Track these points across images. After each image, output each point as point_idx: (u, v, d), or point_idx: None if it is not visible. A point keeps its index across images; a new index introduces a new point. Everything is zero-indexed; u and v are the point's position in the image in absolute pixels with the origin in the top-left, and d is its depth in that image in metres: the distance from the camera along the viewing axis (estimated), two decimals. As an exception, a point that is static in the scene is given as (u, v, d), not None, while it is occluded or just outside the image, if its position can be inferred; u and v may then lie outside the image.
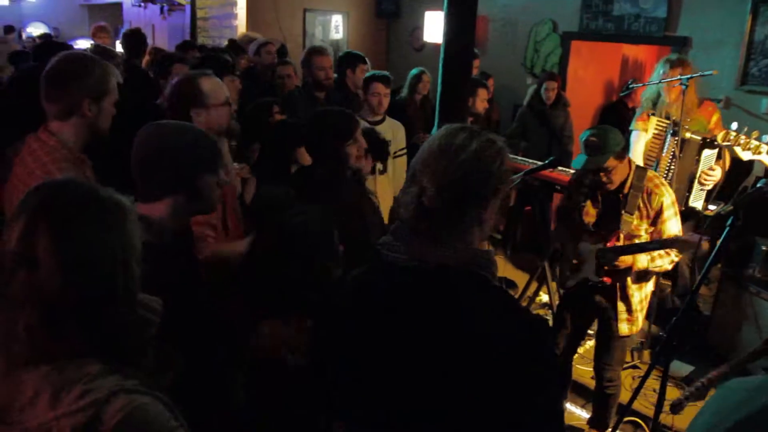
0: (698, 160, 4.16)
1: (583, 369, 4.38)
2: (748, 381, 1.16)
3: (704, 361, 4.42)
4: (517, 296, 5.28)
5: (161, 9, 9.76)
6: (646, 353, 4.56)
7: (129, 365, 1.27)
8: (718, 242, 2.36)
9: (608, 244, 3.22)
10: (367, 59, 5.53)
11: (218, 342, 1.95)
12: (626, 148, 3.21)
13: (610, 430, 3.51)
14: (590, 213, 3.36)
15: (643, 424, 3.82)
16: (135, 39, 6.25)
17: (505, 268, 5.84)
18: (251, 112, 3.93)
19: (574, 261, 3.38)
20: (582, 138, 3.17)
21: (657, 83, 4.40)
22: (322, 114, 3.06)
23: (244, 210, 3.11)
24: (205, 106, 2.70)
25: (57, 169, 2.27)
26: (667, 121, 4.33)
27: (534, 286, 5.13)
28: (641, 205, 3.18)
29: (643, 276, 3.30)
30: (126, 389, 1.22)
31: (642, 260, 3.16)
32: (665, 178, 4.29)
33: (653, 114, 4.43)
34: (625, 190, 3.20)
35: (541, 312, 5.30)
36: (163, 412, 1.25)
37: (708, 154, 4.16)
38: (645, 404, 3.88)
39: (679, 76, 4.14)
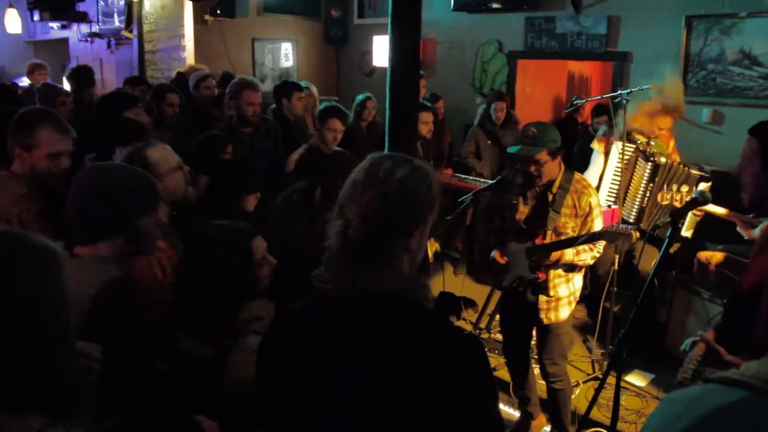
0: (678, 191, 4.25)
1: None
2: (687, 392, 1.19)
3: (663, 368, 4.50)
4: (476, 314, 5.32)
5: (108, 43, 9.65)
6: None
7: (71, 415, 1.24)
8: (660, 252, 2.43)
9: (536, 242, 3.38)
10: (301, 85, 5.54)
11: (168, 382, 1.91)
12: (562, 149, 3.36)
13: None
14: (522, 211, 3.48)
15: (605, 434, 3.86)
16: (82, 75, 6.19)
17: (463, 287, 5.87)
18: (204, 144, 3.91)
19: (499, 258, 3.49)
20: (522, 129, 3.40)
21: (599, 98, 4.51)
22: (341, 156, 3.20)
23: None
24: (157, 176, 2.64)
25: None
26: (632, 146, 4.44)
27: (493, 303, 5.17)
28: (569, 204, 3.36)
29: (570, 268, 3.48)
30: None
31: (568, 254, 3.35)
32: (636, 204, 4.42)
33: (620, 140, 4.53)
34: (554, 190, 3.37)
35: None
36: None
37: (704, 187, 4.26)
38: (608, 415, 3.92)
39: (619, 91, 4.25)
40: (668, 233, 2.39)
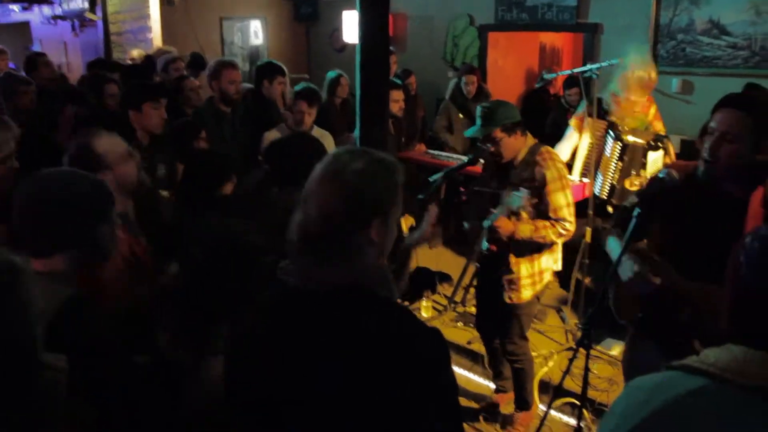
0: (644, 164, 4.29)
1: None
2: (650, 379, 1.20)
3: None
4: (451, 288, 5.36)
5: (72, 25, 9.45)
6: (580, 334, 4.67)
7: (41, 428, 1.22)
8: (627, 233, 2.42)
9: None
10: (286, 71, 5.47)
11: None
12: (519, 124, 3.30)
13: (543, 409, 3.58)
14: (491, 186, 3.48)
15: (578, 403, 3.91)
16: (29, 63, 6.20)
17: (438, 261, 5.89)
18: (178, 131, 3.85)
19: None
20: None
21: (570, 72, 4.51)
22: (305, 138, 3.19)
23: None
24: (108, 167, 2.57)
25: None
26: (603, 122, 4.44)
27: (468, 276, 5.21)
28: (528, 177, 3.30)
29: (529, 247, 3.40)
30: None
31: (524, 230, 3.28)
32: (609, 182, 4.44)
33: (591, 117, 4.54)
34: (515, 165, 3.35)
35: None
36: None
37: (654, 157, 4.27)
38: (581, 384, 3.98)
39: (588, 66, 4.25)
40: (635, 213, 2.37)
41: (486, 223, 3.33)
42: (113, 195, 2.01)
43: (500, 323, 3.63)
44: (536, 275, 3.49)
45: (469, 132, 3.38)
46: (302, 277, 1.46)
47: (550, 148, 3.48)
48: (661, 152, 4.27)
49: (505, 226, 3.27)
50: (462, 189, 6.17)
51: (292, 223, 1.46)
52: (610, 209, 4.52)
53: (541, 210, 3.33)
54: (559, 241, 3.44)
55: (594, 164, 4.49)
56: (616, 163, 4.38)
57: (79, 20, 9.28)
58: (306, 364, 1.41)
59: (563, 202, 3.32)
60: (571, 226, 3.34)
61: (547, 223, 3.30)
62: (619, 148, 4.34)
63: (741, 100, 2.23)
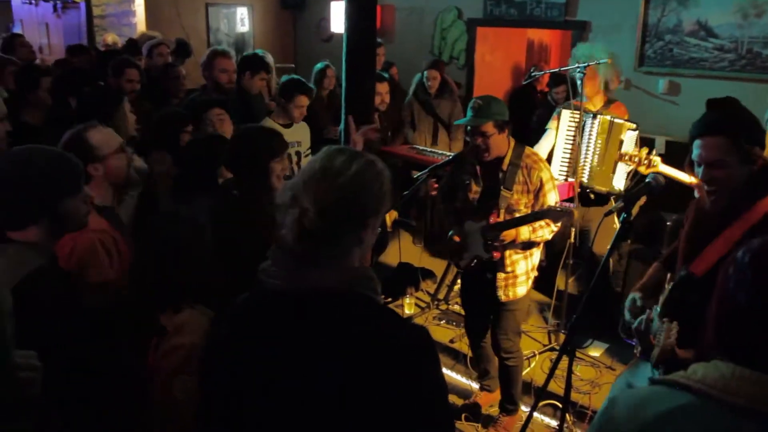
0: (622, 142, 4.29)
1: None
2: (634, 395, 1.18)
3: (617, 339, 4.54)
4: (434, 285, 5.33)
5: (54, 6, 9.27)
6: (563, 336, 4.67)
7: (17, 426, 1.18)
8: (612, 239, 2.43)
9: (491, 220, 3.35)
10: (272, 68, 5.40)
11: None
12: (509, 123, 3.33)
13: (527, 411, 3.57)
14: (475, 190, 3.47)
15: (560, 405, 3.91)
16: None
17: (422, 257, 5.87)
18: (165, 121, 3.76)
19: (456, 238, 3.49)
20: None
21: (556, 70, 4.49)
22: (254, 130, 3.08)
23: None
24: (100, 158, 2.68)
25: None
26: (578, 112, 4.45)
27: (452, 274, 5.18)
28: (521, 180, 3.34)
29: (528, 246, 3.46)
30: None
31: (524, 232, 3.33)
32: (585, 159, 4.43)
33: (566, 107, 4.54)
34: (504, 167, 3.35)
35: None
36: None
37: (630, 135, 4.31)
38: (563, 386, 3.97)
39: (576, 64, 4.23)
40: (621, 218, 2.38)
41: (484, 255, 3.39)
42: (80, 167, 2.09)
43: (495, 321, 3.63)
44: (530, 271, 3.55)
45: (461, 121, 3.37)
46: (287, 279, 1.44)
47: (532, 149, 3.50)
48: (637, 132, 4.29)
49: (508, 233, 3.31)
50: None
51: (282, 221, 1.44)
52: (592, 197, 4.52)
53: (534, 209, 3.36)
54: (550, 238, 3.49)
55: (574, 153, 4.49)
56: (595, 143, 4.38)
57: (61, 1, 9.10)
58: (291, 366, 1.39)
59: (555, 200, 3.38)
60: (560, 223, 3.41)
61: (542, 223, 3.34)
62: (597, 125, 4.35)
63: (713, 125, 2.20)
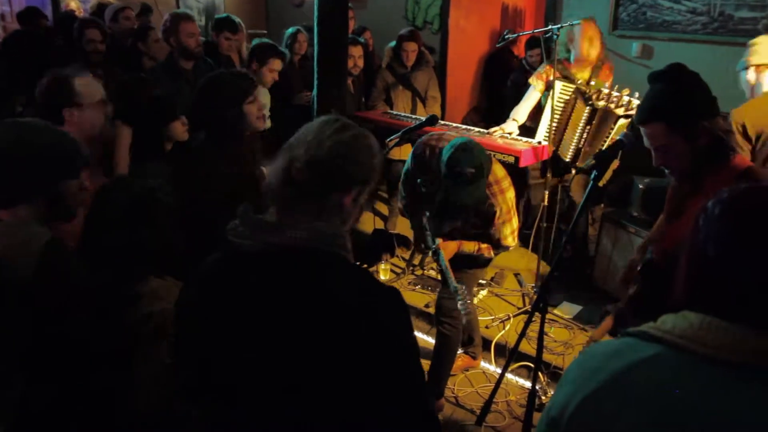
0: (612, 128, 4.30)
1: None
2: (604, 347, 1.18)
3: (590, 300, 4.63)
4: (409, 251, 5.33)
5: (17, -28, 8.98)
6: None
7: None
8: (583, 198, 2.44)
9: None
10: (240, 28, 5.27)
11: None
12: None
13: (498, 372, 3.60)
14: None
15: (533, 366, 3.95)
16: None
17: (400, 223, 5.87)
18: (122, 90, 3.62)
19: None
20: (452, 164, 3.00)
21: (530, 33, 4.46)
22: (218, 75, 2.95)
23: None
24: (78, 105, 2.66)
25: None
26: (572, 86, 4.42)
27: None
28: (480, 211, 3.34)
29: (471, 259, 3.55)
30: None
31: (469, 246, 3.44)
32: (572, 145, 4.43)
33: (559, 79, 4.49)
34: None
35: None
36: None
37: (622, 123, 4.29)
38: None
39: (550, 26, 4.20)
40: (592, 176, 2.39)
41: (431, 246, 3.38)
42: (82, 153, 2.00)
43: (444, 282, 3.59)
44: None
45: (461, 195, 3.16)
46: (256, 238, 1.43)
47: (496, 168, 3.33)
48: (629, 120, 4.30)
49: (450, 248, 3.39)
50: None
51: (272, 168, 1.48)
52: (573, 171, 4.54)
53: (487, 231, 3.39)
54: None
55: (561, 127, 4.48)
56: (582, 127, 4.38)
57: (24, -35, 8.82)
58: (263, 326, 1.39)
59: (509, 231, 3.39)
60: (513, 244, 3.46)
61: (491, 245, 3.44)
62: (588, 112, 4.34)
63: (648, 112, 2.25)
